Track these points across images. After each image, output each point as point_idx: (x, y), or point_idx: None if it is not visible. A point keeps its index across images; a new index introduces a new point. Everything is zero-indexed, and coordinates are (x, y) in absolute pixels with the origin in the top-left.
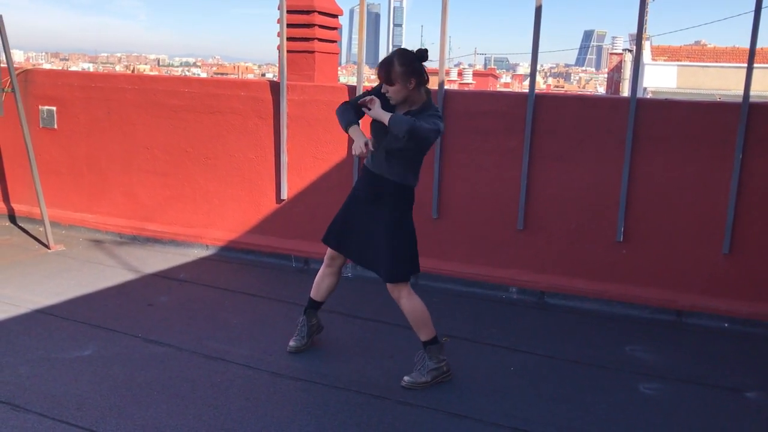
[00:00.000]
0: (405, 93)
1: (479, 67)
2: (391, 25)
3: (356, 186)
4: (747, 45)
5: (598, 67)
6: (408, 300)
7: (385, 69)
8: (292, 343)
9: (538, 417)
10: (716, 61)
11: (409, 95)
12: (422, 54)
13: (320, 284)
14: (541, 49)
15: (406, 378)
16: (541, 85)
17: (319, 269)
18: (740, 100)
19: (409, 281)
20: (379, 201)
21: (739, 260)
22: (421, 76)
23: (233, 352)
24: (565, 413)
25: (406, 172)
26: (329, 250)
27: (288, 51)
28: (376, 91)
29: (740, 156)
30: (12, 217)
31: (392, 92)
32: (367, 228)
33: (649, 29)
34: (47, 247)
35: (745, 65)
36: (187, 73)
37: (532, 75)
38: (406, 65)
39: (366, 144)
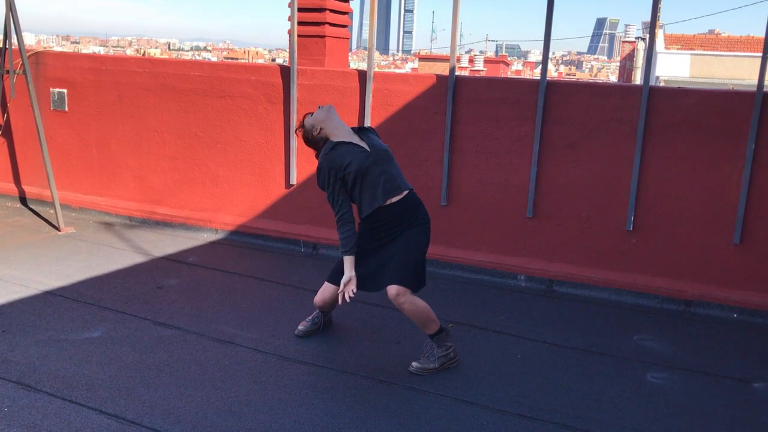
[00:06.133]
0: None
1: (490, 54)
2: (402, 11)
3: (383, 224)
4: (762, 34)
5: (610, 55)
6: (411, 304)
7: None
8: (300, 327)
9: (544, 404)
10: (730, 50)
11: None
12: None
13: (324, 308)
14: (553, 36)
15: (414, 364)
16: (552, 72)
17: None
18: (754, 89)
19: (410, 291)
20: (415, 216)
21: (749, 251)
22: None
23: (242, 335)
24: (572, 401)
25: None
26: (331, 290)
27: (299, 35)
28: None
29: (753, 146)
30: (23, 199)
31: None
32: (389, 250)
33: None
34: (57, 229)
35: (760, 54)
36: (197, 58)
37: (544, 62)
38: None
39: (348, 283)
